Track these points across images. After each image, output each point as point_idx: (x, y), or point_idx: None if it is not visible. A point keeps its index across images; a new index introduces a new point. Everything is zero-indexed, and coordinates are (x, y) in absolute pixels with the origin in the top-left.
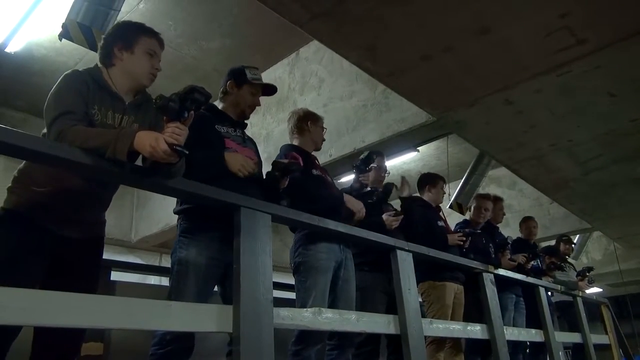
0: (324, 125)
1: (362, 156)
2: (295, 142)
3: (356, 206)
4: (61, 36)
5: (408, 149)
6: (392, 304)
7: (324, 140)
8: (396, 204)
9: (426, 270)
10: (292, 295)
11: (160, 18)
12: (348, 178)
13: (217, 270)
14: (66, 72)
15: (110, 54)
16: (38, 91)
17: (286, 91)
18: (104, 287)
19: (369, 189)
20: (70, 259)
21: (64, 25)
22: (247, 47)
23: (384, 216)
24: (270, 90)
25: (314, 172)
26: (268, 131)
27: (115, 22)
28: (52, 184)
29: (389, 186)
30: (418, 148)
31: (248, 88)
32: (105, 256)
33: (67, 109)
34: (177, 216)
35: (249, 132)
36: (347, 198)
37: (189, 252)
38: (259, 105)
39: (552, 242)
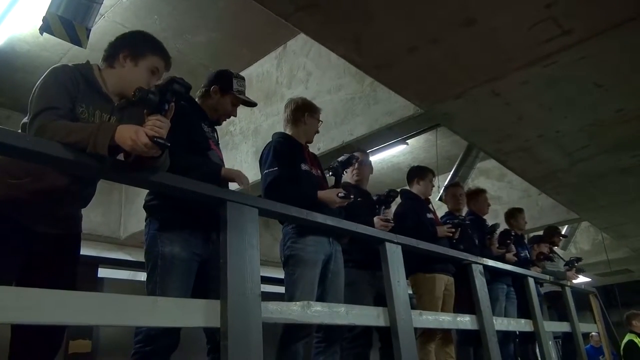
0: (320, 118)
1: (341, 158)
2: (288, 132)
3: (330, 199)
4: (42, 30)
5: (397, 142)
6: (379, 298)
7: (317, 132)
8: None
9: (416, 263)
10: (283, 289)
11: (144, 12)
12: None
13: (196, 265)
14: (55, 66)
15: (115, 56)
16: (21, 87)
17: (274, 85)
18: (91, 284)
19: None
20: (45, 255)
21: (44, 19)
22: (233, 40)
23: (376, 219)
24: (250, 103)
25: (303, 166)
26: (256, 125)
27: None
28: (28, 177)
29: (392, 193)
30: (407, 141)
31: (230, 98)
32: (93, 253)
33: (51, 104)
34: None
35: (237, 127)
36: (321, 194)
37: (172, 248)
38: (235, 116)
39: (541, 233)
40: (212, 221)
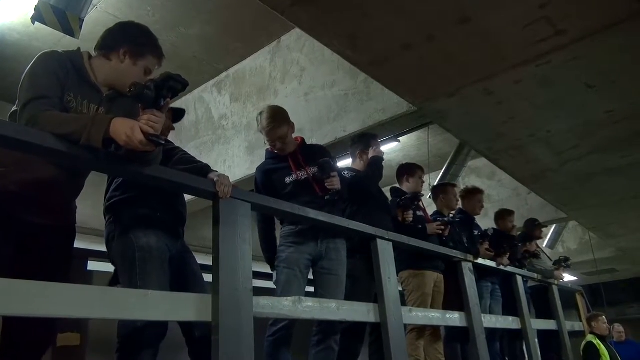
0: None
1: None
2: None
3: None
4: (34, 19)
5: (389, 139)
6: None
7: (268, 132)
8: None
9: (406, 259)
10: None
11: (138, 3)
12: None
13: (168, 258)
14: (45, 51)
15: (114, 49)
16: (11, 77)
17: (267, 80)
18: (81, 277)
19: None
20: (37, 246)
21: (36, 8)
22: (227, 34)
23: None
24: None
25: (287, 180)
26: (249, 120)
27: (85, 11)
28: (14, 164)
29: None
30: (399, 138)
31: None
32: (83, 246)
33: (42, 92)
34: None
35: (229, 121)
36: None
37: (148, 239)
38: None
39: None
40: (179, 217)
